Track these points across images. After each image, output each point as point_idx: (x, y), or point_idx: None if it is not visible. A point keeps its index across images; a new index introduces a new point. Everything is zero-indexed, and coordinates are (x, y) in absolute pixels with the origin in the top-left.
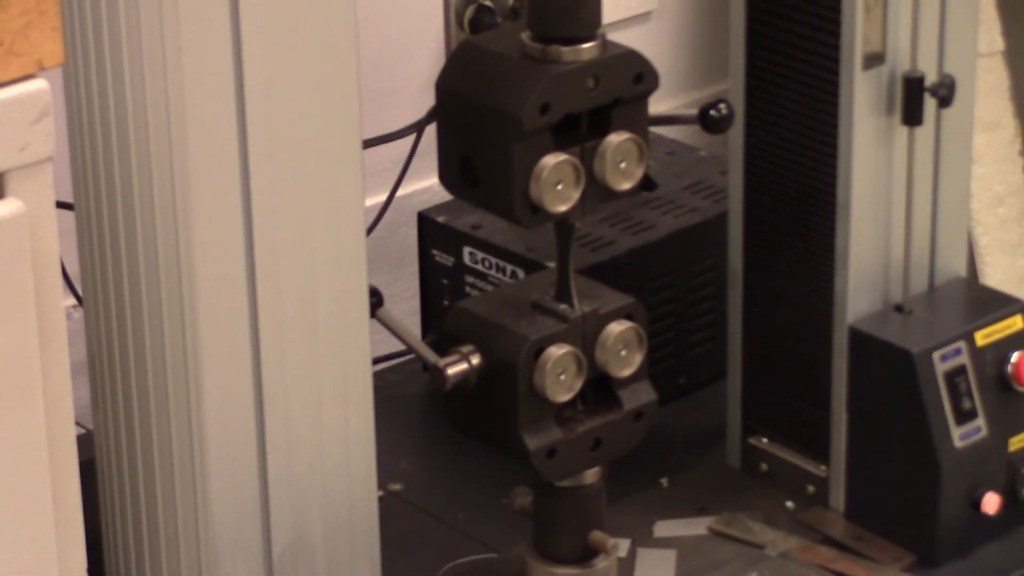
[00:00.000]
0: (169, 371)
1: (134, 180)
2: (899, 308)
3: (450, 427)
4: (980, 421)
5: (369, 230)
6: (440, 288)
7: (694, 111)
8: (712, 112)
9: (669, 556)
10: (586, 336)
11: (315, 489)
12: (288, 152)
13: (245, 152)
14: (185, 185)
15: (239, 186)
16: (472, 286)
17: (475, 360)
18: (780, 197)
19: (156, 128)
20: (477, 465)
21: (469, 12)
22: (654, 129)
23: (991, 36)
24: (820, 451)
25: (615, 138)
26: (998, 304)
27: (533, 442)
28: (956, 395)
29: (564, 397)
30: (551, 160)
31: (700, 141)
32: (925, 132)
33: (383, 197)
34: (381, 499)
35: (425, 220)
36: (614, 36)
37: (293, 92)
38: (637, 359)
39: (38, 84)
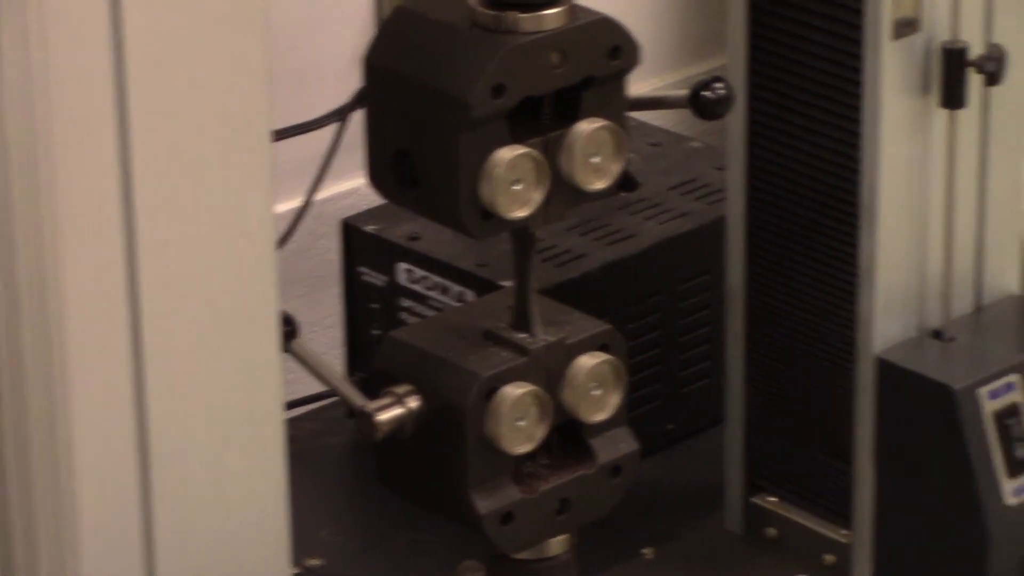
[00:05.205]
0: (31, 426)
1: None
2: (938, 334)
3: (381, 487)
4: None
5: (280, 242)
6: (369, 314)
7: (685, 92)
8: (706, 93)
9: None
10: (551, 372)
11: (215, 568)
12: (180, 147)
13: (126, 147)
14: (51, 189)
15: (118, 191)
16: (409, 311)
17: (413, 404)
18: (790, 198)
19: (14, 121)
20: (415, 534)
21: None
22: (635, 115)
23: None
24: (841, 512)
25: (586, 126)
26: None
27: (485, 504)
28: (1008, 440)
29: (523, 448)
30: (507, 154)
31: (692, 129)
32: (969, 116)
33: (298, 201)
34: None
35: (350, 230)
36: (585, 1)
37: (186, 72)
38: (614, 401)
39: None
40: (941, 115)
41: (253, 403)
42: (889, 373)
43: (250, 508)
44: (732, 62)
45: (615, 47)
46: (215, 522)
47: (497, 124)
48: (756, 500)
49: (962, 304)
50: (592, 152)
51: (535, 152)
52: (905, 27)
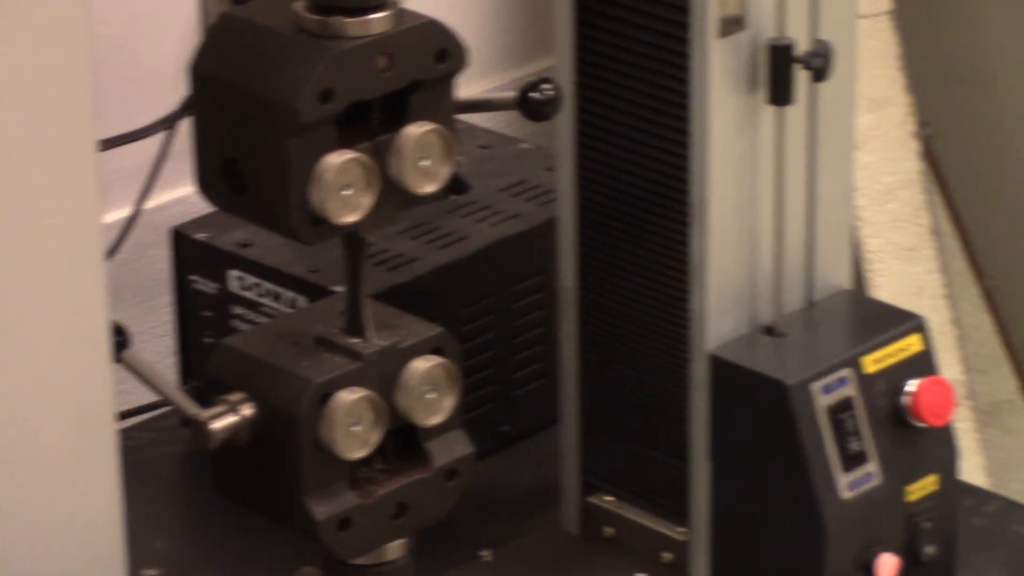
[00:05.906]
0: None
1: None
2: (770, 330)
3: (218, 495)
4: (872, 466)
5: (110, 252)
6: (201, 322)
7: (513, 94)
8: (534, 94)
9: None
10: (384, 377)
11: None
12: (4, 159)
13: None
14: None
15: None
16: (241, 318)
17: (246, 411)
18: (620, 198)
19: None
20: (252, 541)
21: None
22: (464, 117)
23: None
24: (677, 510)
25: (415, 130)
26: (890, 321)
27: (321, 510)
28: (842, 435)
29: (359, 453)
30: (336, 159)
31: (521, 131)
32: (797, 112)
33: (127, 211)
34: None
35: (180, 238)
36: (412, 4)
37: (8, 83)
38: (448, 404)
39: None
40: (769, 112)
41: (85, 414)
42: (722, 370)
43: (84, 519)
44: (560, 63)
45: (442, 50)
46: (49, 533)
47: (325, 129)
48: (592, 500)
49: (793, 300)
50: (421, 155)
51: (364, 156)
52: (731, 25)
